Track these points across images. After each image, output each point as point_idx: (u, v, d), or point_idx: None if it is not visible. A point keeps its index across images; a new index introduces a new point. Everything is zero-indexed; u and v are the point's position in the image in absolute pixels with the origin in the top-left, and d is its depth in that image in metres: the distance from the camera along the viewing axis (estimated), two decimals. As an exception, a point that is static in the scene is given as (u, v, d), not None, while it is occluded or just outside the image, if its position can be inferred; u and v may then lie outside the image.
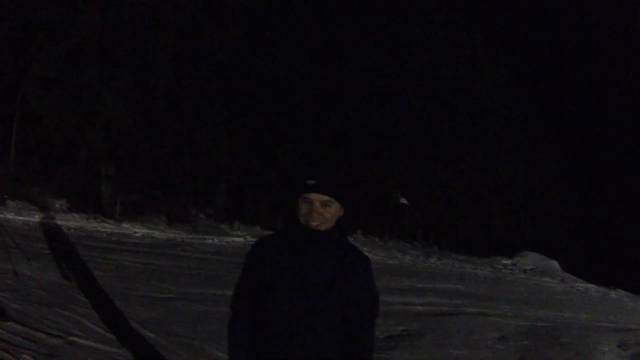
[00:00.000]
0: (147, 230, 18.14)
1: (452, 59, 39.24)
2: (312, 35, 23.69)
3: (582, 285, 27.95)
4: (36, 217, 16.02)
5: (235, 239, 19.93)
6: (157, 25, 18.86)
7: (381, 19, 29.57)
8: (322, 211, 3.24)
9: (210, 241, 18.78)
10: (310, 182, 3.24)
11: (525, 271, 30.45)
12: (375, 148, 28.28)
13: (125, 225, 18.10)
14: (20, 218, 15.46)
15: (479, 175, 41.95)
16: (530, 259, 35.42)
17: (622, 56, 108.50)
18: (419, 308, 13.86)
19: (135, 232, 17.44)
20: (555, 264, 35.31)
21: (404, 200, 33.62)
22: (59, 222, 16.05)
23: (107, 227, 17.27)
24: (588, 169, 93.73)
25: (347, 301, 3.30)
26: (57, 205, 18.41)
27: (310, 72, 23.59)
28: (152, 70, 18.86)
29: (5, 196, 17.38)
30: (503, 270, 29.47)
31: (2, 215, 14.70)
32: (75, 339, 7.26)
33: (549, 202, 61.67)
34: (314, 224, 3.24)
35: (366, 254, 3.49)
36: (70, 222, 16.57)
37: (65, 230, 15.08)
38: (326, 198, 3.24)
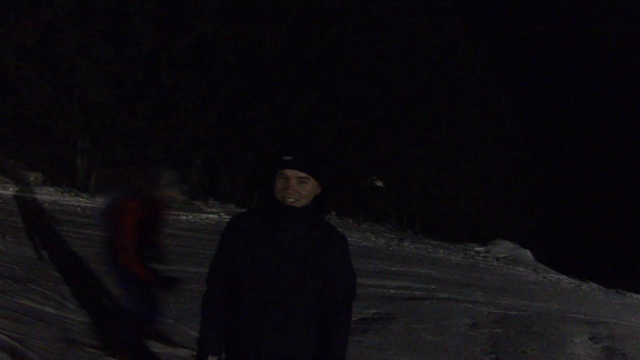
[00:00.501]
0: (121, 205, 17.99)
1: (431, 41, 39.18)
2: (292, 9, 23.51)
3: (554, 276, 28.16)
4: (10, 190, 15.86)
5: (210, 215, 19.85)
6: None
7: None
8: (298, 188, 3.29)
9: (185, 217, 18.70)
10: (287, 157, 3.29)
11: (498, 259, 30.58)
12: (350, 127, 28.20)
13: (99, 200, 17.90)
14: (-6, 191, 15.34)
15: (453, 160, 41.93)
16: (503, 247, 35.60)
17: (603, 40, 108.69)
18: (392, 291, 13.92)
19: (109, 207, 17.28)
20: (528, 253, 35.53)
21: (379, 183, 33.62)
22: (33, 196, 15.92)
23: (81, 201, 17.11)
24: (564, 159, 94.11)
25: (323, 280, 3.36)
26: (32, 179, 18.24)
27: (288, 47, 23.44)
28: (130, 41, 18.66)
29: (-22, 169, 17.24)
30: (476, 257, 29.57)
31: (-26, 188, 14.59)
32: (49, 311, 7.30)
33: (523, 191, 61.82)
34: (290, 200, 3.29)
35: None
36: (44, 195, 16.43)
37: (40, 204, 14.97)
38: (302, 174, 3.29)
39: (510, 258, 31.95)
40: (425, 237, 36.73)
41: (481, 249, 34.94)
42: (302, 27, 24.01)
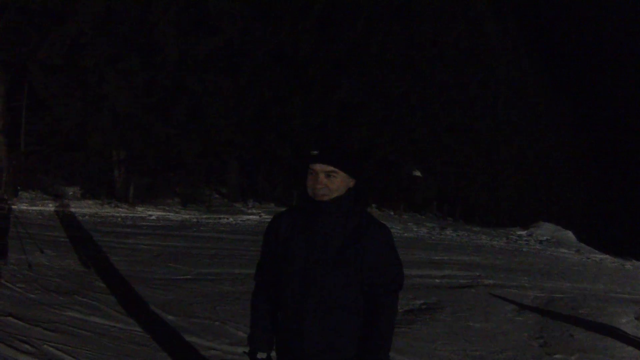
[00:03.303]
0: (161, 213, 18.13)
1: (460, 25, 38.87)
2: (318, 3, 23.39)
3: (597, 256, 27.81)
4: (50, 206, 16.01)
5: (250, 217, 19.88)
6: (159, 1, 18.65)
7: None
8: (327, 182, 3.25)
9: (225, 220, 18.74)
10: (314, 152, 3.28)
11: (540, 242, 30.32)
12: (386, 118, 28.07)
13: (139, 209, 18.09)
14: (34, 208, 15.46)
15: (491, 144, 41.65)
16: (545, 230, 35.32)
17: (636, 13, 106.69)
18: (437, 281, 13.84)
19: (149, 215, 17.43)
20: (570, 234, 35.22)
21: (417, 172, 33.48)
22: (73, 210, 16.05)
23: (121, 211, 17.27)
24: (604, 137, 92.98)
25: (362, 270, 3.28)
26: (70, 193, 18.41)
27: (318, 40, 23.34)
28: (157, 49, 18.69)
29: (18, 187, 17.38)
30: (519, 242, 29.33)
31: (15, 207, 14.67)
32: (97, 321, 7.31)
33: (563, 172, 61.30)
34: (319, 194, 3.25)
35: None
36: (84, 208, 16.57)
37: (80, 217, 15.09)
38: (330, 168, 3.24)
39: (552, 240, 31.65)
40: (466, 224, 36.52)
41: (523, 232, 34.67)
42: (331, 20, 23.89)
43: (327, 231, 3.29)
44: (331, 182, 3.25)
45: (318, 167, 3.25)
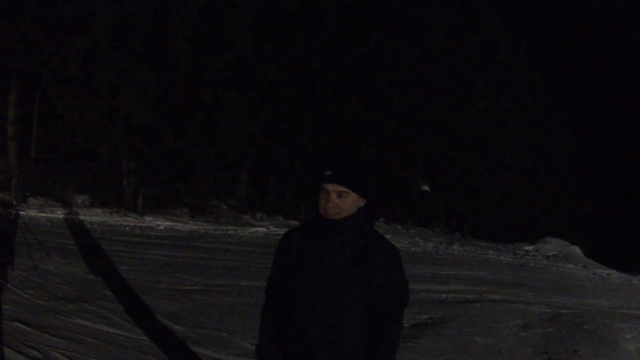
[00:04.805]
0: (169, 223, 18.14)
1: (470, 40, 38.84)
2: (330, 19, 23.48)
3: (604, 271, 27.72)
4: (59, 214, 16.06)
5: (259, 229, 19.86)
6: (174, 16, 18.76)
7: (397, 2, 29.24)
8: (338, 202, 3.31)
9: (233, 232, 18.74)
10: (327, 172, 3.32)
11: (547, 257, 30.29)
12: (396, 133, 28.07)
13: (148, 219, 18.10)
14: (43, 215, 15.49)
15: (499, 159, 41.57)
16: (553, 245, 35.29)
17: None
18: (443, 296, 13.82)
19: (158, 225, 17.44)
20: (577, 250, 35.15)
21: (425, 187, 33.45)
22: (81, 218, 16.09)
23: (129, 220, 17.28)
24: (612, 153, 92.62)
25: (369, 290, 3.35)
26: (79, 201, 18.45)
27: (330, 57, 23.41)
28: (171, 63, 18.79)
29: (28, 193, 17.44)
30: (525, 257, 29.29)
31: (24, 213, 14.74)
32: (105, 330, 7.33)
33: (571, 188, 61.08)
34: (330, 214, 3.32)
35: (392, 242, 3.50)
36: (93, 217, 16.60)
37: (89, 226, 15.11)
38: (342, 189, 3.31)
39: (559, 255, 31.60)
40: (474, 239, 36.50)
41: (530, 247, 34.64)
42: (342, 36, 23.97)
43: (337, 250, 3.35)
44: (342, 202, 3.31)
45: (330, 186, 3.30)
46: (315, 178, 3.15)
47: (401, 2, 29.28)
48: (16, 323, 6.83)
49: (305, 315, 3.36)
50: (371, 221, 3.46)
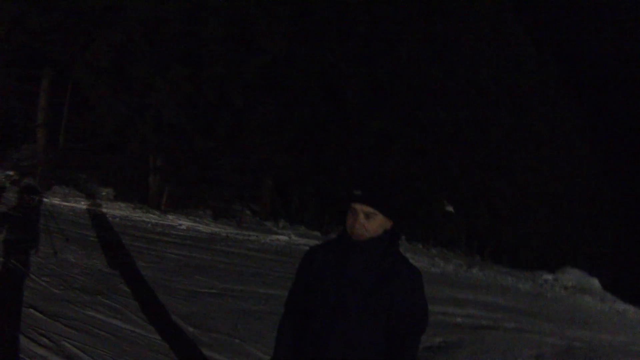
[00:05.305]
0: (191, 223, 18.09)
1: (499, 61, 38.80)
2: (361, 32, 23.47)
3: (620, 306, 27.59)
4: (82, 204, 16.09)
5: (280, 237, 19.76)
6: (208, 17, 18.79)
7: (427, 15, 29.21)
8: (365, 222, 3.32)
9: (255, 238, 18.66)
10: (357, 192, 3.33)
11: (566, 288, 30.21)
12: (420, 150, 28.01)
13: (170, 217, 18.06)
14: (66, 204, 15.52)
15: (523, 184, 41.38)
16: (572, 275, 35.27)
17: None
18: (459, 320, 13.74)
19: (180, 225, 17.40)
20: (596, 282, 35.12)
21: (449, 208, 33.32)
22: (104, 210, 16.09)
23: (152, 217, 17.26)
24: (636, 185, 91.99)
25: (388, 312, 3.33)
26: (104, 194, 18.46)
27: (359, 70, 23.40)
28: (204, 63, 18.81)
29: (52, 181, 17.51)
30: (544, 286, 29.19)
31: (47, 200, 14.79)
32: (117, 324, 7.34)
33: (593, 218, 60.79)
34: (357, 234, 3.32)
35: (414, 264, 3.49)
36: (115, 210, 16.59)
37: (111, 219, 15.11)
38: (370, 210, 3.31)
39: (578, 287, 31.52)
40: (494, 263, 36.31)
41: (550, 276, 34.58)
42: (370, 47, 23.94)
43: (360, 270, 3.34)
44: (370, 223, 3.31)
45: (359, 206, 3.31)
46: (342, 194, 3.17)
47: (429, 17, 29.29)
48: (30, 310, 6.89)
49: (323, 333, 3.33)
50: (396, 243, 3.45)
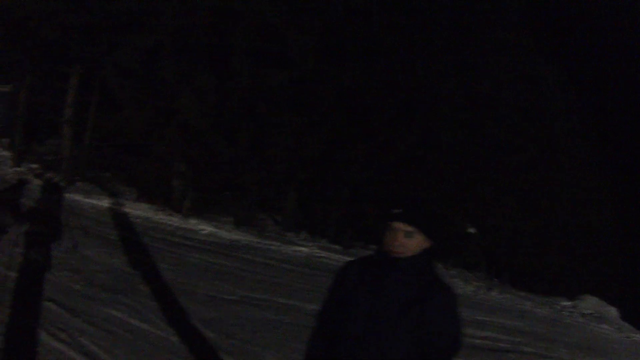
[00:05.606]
0: (213, 229, 18.02)
1: (521, 87, 38.75)
2: (387, 53, 23.43)
3: (637, 335, 27.33)
4: (104, 202, 16.15)
5: (301, 249, 19.61)
6: (237, 29, 18.82)
7: (451, 40, 29.20)
8: (405, 241, 3.26)
9: (276, 248, 18.53)
10: (397, 210, 3.31)
11: (584, 315, 29.89)
12: (443, 172, 27.92)
13: (192, 222, 17.99)
14: (89, 201, 15.57)
15: (545, 210, 41.22)
16: (590, 303, 34.95)
17: None
18: (477, 342, 13.58)
19: (201, 230, 17.34)
20: (614, 311, 34.81)
21: (472, 229, 33.19)
22: (126, 210, 16.13)
23: (174, 220, 17.25)
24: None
25: (420, 333, 3.26)
26: (127, 193, 18.51)
27: (384, 90, 23.34)
28: (231, 73, 18.81)
29: (76, 177, 17.56)
30: (562, 312, 28.96)
31: (70, 195, 14.80)
32: (136, 324, 7.28)
33: (613, 246, 60.47)
34: (395, 253, 3.27)
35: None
36: (138, 211, 16.61)
37: (133, 219, 15.11)
38: (410, 228, 3.26)
39: (595, 315, 31.20)
40: (513, 288, 36.11)
41: (568, 303, 34.33)
42: (396, 70, 23.88)
43: (395, 288, 3.29)
44: (409, 242, 3.27)
45: (398, 225, 3.27)
46: (384, 214, 3.12)
47: (456, 42, 29.27)
48: (50, 304, 6.91)
49: (355, 348, 3.28)
50: (432, 263, 3.42)
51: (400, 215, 3.26)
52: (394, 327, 3.21)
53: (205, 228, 17.71)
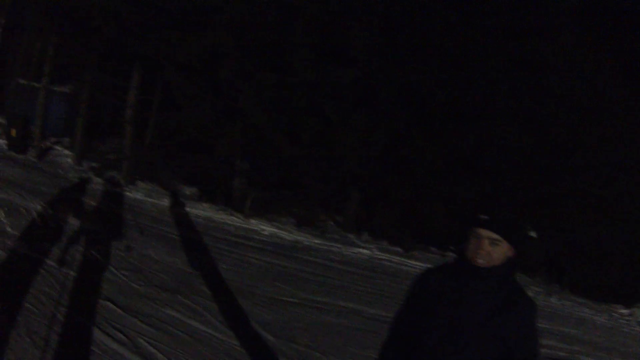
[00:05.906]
0: (274, 230, 17.93)
1: (586, 86, 37.93)
2: (450, 51, 23.04)
3: (696, 347, 26.76)
4: (165, 201, 16.22)
5: (363, 250, 19.38)
6: (298, 26, 18.67)
7: (515, 36, 28.77)
8: (490, 250, 3.18)
9: (337, 249, 18.33)
10: (483, 217, 3.21)
11: (640, 324, 29.30)
12: (506, 174, 27.45)
13: (253, 222, 17.94)
14: (149, 200, 15.66)
15: (606, 214, 40.31)
16: (647, 312, 34.21)
17: None
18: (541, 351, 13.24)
19: (262, 230, 17.27)
20: (672, 321, 34.02)
21: (533, 233, 32.60)
22: (187, 210, 16.17)
23: (235, 220, 17.22)
24: None
25: (501, 344, 3.20)
26: (188, 193, 18.55)
27: (448, 90, 22.97)
28: (294, 71, 18.67)
29: (137, 176, 17.64)
30: (620, 320, 28.32)
31: (131, 194, 14.82)
32: (196, 326, 7.17)
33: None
34: (480, 261, 3.19)
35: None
36: (198, 210, 16.64)
37: (193, 218, 15.13)
38: (495, 236, 3.17)
39: (652, 325, 30.55)
40: (571, 294, 35.45)
41: (625, 311, 33.55)
42: (460, 68, 23.50)
43: (477, 297, 3.22)
44: (494, 250, 3.17)
45: (484, 232, 3.17)
46: (469, 220, 2.91)
47: (518, 38, 28.79)
48: (107, 303, 6.86)
49: (434, 357, 3.21)
50: (514, 272, 3.34)
51: (486, 222, 3.16)
52: (474, 338, 3.13)
53: (266, 228, 17.62)
